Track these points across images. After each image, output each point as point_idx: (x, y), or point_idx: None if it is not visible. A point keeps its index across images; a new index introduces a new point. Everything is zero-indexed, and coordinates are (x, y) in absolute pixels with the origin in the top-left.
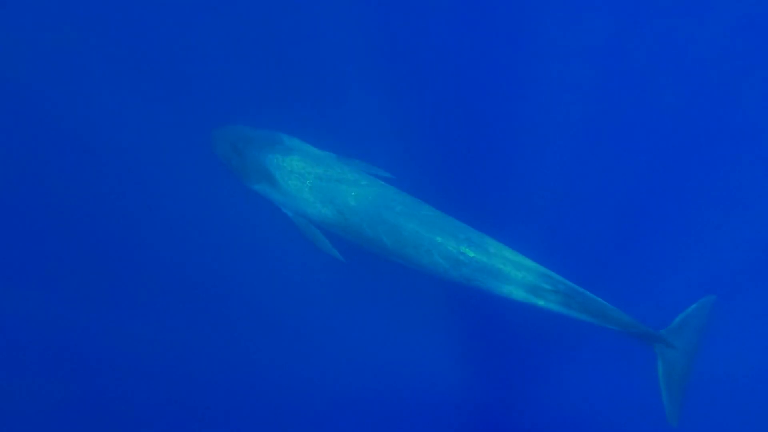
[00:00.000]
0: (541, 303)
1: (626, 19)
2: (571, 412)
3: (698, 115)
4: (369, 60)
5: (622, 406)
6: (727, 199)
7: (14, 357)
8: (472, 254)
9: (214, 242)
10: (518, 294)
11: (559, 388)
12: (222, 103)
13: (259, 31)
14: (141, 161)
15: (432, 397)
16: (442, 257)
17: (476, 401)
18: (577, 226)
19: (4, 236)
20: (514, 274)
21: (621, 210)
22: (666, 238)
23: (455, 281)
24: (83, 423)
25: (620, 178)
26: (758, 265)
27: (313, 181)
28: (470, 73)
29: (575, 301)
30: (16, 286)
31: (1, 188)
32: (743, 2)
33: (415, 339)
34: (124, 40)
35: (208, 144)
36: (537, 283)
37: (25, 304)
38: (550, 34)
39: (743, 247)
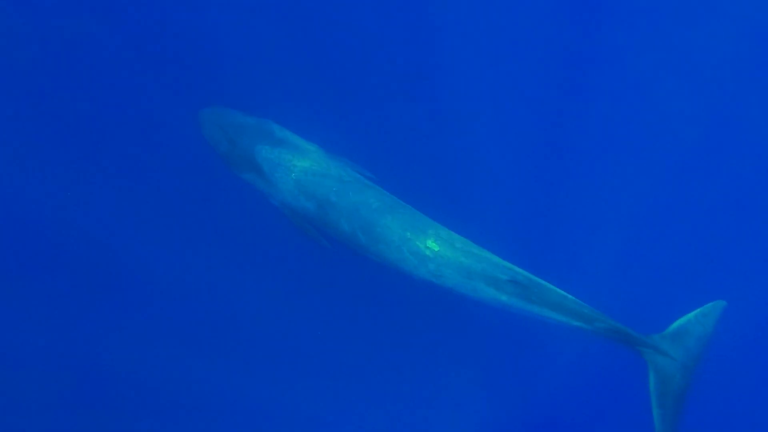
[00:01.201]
0: (503, 298)
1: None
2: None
3: (669, 106)
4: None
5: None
6: (719, 195)
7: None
8: (437, 248)
9: (201, 231)
10: (482, 290)
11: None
12: (212, 88)
13: (254, 20)
14: (127, 144)
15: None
16: (410, 252)
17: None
18: (555, 224)
19: None
20: (476, 266)
21: (605, 207)
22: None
23: (425, 279)
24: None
25: (597, 174)
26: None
27: (298, 174)
28: (457, 76)
29: (533, 292)
30: None
31: None
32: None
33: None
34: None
35: (196, 124)
36: (495, 274)
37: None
38: (516, 34)
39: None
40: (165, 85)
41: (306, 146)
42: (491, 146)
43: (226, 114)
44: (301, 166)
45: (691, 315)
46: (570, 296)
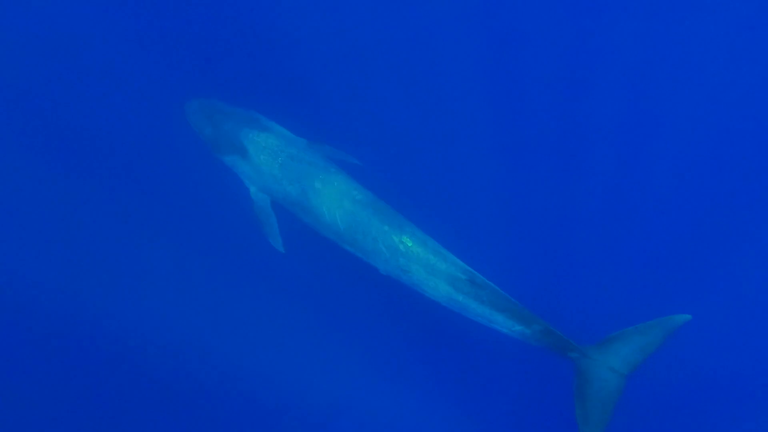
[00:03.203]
0: (459, 297)
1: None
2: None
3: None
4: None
5: None
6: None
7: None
8: (410, 244)
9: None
10: (442, 288)
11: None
12: (200, 83)
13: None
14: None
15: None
16: (384, 245)
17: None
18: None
19: None
20: (440, 265)
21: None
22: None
23: (392, 272)
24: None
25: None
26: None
27: (284, 159)
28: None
29: (485, 293)
30: None
31: None
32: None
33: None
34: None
35: (182, 113)
36: (456, 275)
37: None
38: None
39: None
40: (153, 81)
41: (293, 137)
42: (469, 151)
43: (212, 103)
44: (288, 152)
45: (638, 325)
46: (515, 301)
